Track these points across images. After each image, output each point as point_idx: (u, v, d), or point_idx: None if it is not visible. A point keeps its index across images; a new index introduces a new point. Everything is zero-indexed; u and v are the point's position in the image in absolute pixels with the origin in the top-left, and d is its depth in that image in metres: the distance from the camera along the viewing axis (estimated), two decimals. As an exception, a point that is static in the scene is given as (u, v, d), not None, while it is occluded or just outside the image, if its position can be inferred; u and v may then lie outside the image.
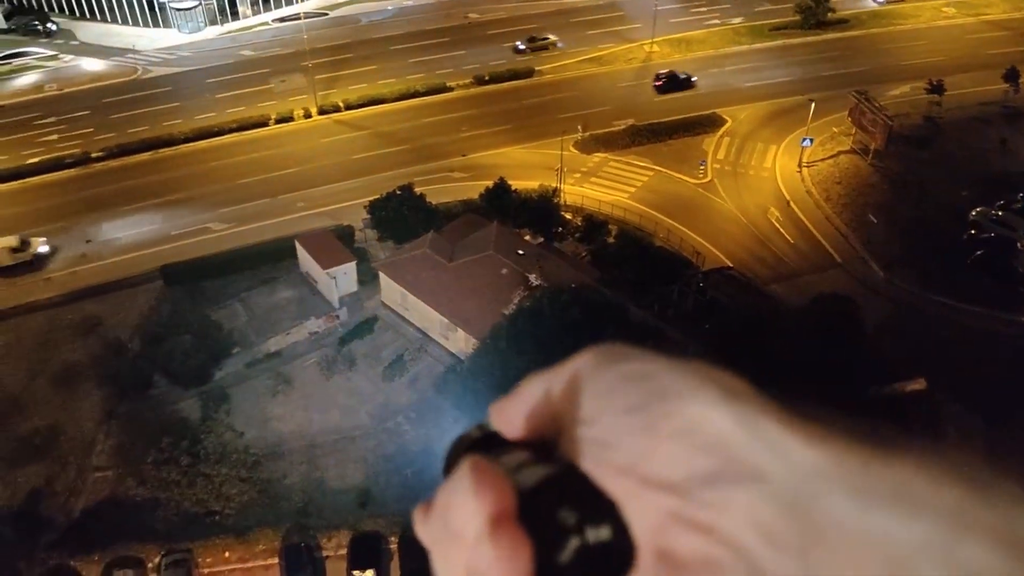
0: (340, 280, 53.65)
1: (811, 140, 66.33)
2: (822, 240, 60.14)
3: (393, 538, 42.76)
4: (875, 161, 65.52)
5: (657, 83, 75.08)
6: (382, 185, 59.55)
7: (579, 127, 68.16)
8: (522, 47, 79.63)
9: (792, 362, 41.90)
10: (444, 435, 46.71)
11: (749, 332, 44.98)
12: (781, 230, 61.09)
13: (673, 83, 74.81)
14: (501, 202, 58.00)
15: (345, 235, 57.67)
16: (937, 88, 69.34)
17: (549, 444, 1.19)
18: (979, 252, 57.36)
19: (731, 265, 57.97)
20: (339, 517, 43.31)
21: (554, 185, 61.54)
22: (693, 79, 75.25)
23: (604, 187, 64.58)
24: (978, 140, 67.93)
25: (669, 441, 1.07)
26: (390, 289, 52.90)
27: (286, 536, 42.36)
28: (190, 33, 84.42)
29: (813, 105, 65.62)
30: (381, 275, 53.30)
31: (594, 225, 59.57)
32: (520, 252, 51.66)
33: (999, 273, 56.10)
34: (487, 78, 75.69)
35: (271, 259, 56.16)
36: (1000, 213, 59.86)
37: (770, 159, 67.55)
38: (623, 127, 70.07)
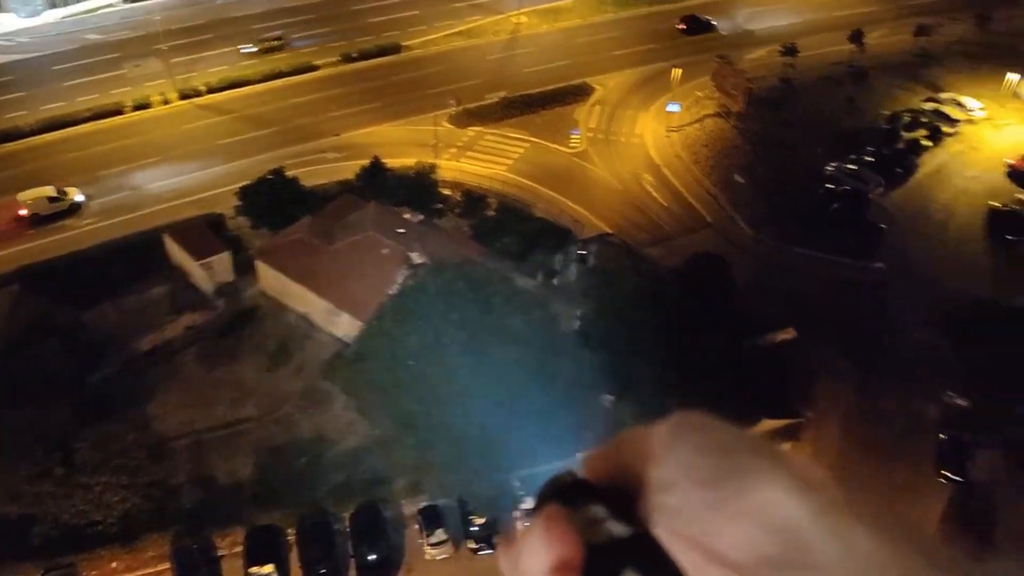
0: (215, 270, 51.71)
1: (678, 105, 68.32)
2: (693, 202, 62.25)
3: (290, 530, 41.94)
4: (737, 123, 68.17)
5: (681, 26, 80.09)
6: (252, 170, 57.58)
7: (451, 101, 67.79)
8: (252, 49, 74.28)
9: (669, 321, 43.35)
10: (335, 421, 46.17)
11: (630, 295, 46.18)
12: (654, 194, 62.85)
13: (696, 25, 79.95)
14: (378, 181, 57.17)
15: (216, 224, 55.51)
16: (790, 51, 72.59)
17: (632, 498, 1.24)
18: (835, 205, 60.72)
19: (610, 231, 59.28)
20: (232, 514, 42.07)
21: (431, 161, 61.09)
22: (714, 23, 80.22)
23: (481, 161, 64.61)
24: (829, 98, 71.69)
25: (739, 521, 1.10)
26: (269, 276, 51.39)
27: (176, 539, 40.83)
28: (28, 17, 78.63)
29: (678, 71, 67.54)
30: (258, 263, 51.70)
31: (473, 199, 59.59)
32: (400, 231, 51.14)
33: (855, 224, 59.63)
34: (355, 55, 74.10)
35: (140, 253, 53.39)
36: (852, 167, 63.49)
37: (640, 125, 69.22)
38: (496, 100, 70.14)
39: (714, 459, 1.17)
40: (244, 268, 52.62)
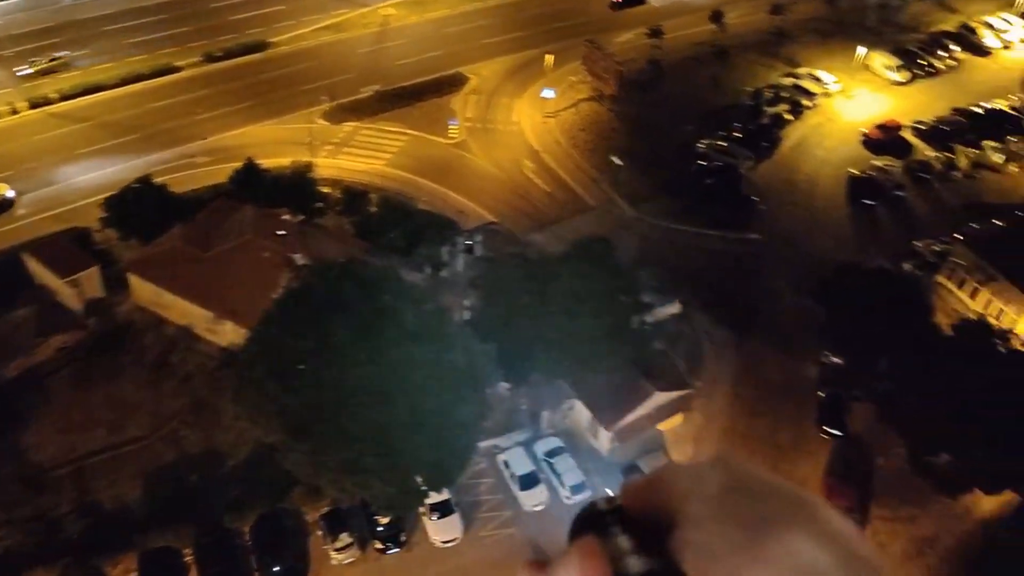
0: (83, 287, 48.98)
1: (552, 91, 69.09)
2: (574, 186, 63.19)
3: (187, 550, 40.38)
4: (611, 106, 69.54)
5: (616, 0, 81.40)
6: (117, 179, 54.83)
7: (324, 97, 66.37)
8: (28, 71, 67.15)
9: (558, 305, 43.88)
10: (226, 433, 44.61)
11: (517, 283, 46.47)
12: (536, 180, 63.43)
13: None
14: (253, 183, 55.31)
15: (81, 238, 52.54)
16: (656, 33, 74.51)
17: (664, 531, 1.30)
18: (709, 181, 62.89)
19: (494, 220, 59.48)
20: (123, 540, 40.13)
21: (307, 160, 59.65)
22: None
23: (359, 156, 63.57)
24: (696, 78, 74.04)
25: (765, 564, 1.14)
26: (143, 289, 49.11)
27: (63, 573, 38.65)
28: None
29: (551, 57, 68.26)
30: (131, 276, 49.31)
31: (354, 196, 58.59)
32: (280, 233, 49.76)
33: (728, 198, 61.93)
34: (219, 55, 71.42)
35: (-3, 275, 50.03)
36: (722, 143, 65.88)
37: (516, 113, 69.65)
38: (370, 93, 69.13)
39: (746, 502, 1.22)
40: (116, 283, 50.08)
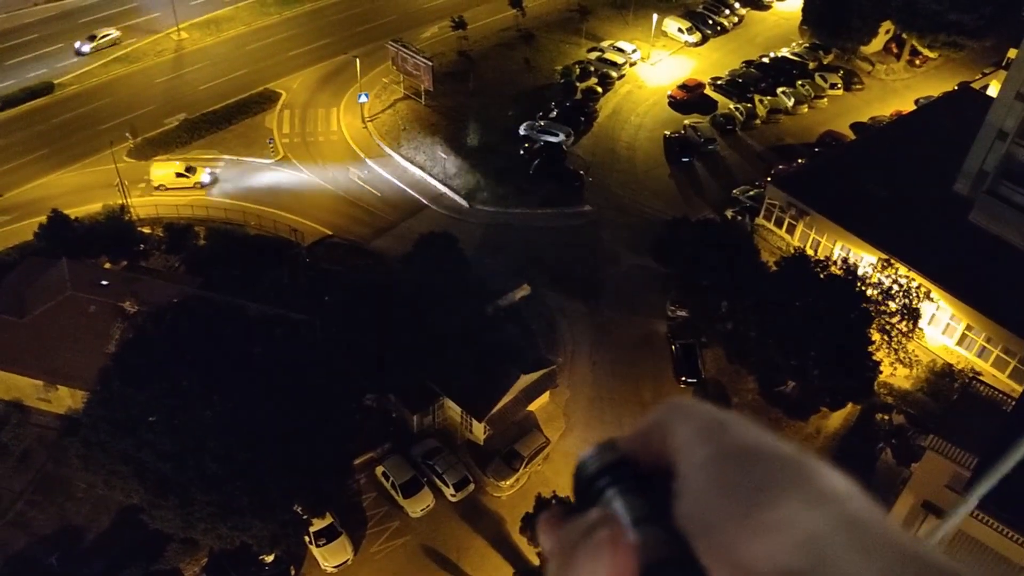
0: None
1: (367, 95, 68.33)
2: (406, 187, 62.87)
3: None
4: (429, 102, 69.58)
5: None
6: (-97, 255, 49.73)
7: (127, 134, 62.69)
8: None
9: (410, 306, 43.70)
10: (81, 504, 41.60)
11: (364, 291, 45.89)
12: (367, 187, 62.62)
13: None
14: (63, 236, 51.44)
15: None
16: (461, 24, 75.13)
17: (665, 482, 1.25)
18: (536, 161, 64.25)
19: (331, 232, 58.30)
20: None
21: (119, 202, 56.17)
22: None
23: (176, 190, 60.49)
24: (507, 63, 75.30)
25: (763, 534, 1.11)
26: (-43, 370, 44.84)
27: None
28: None
29: (358, 61, 67.41)
30: (-61, 357, 44.87)
31: (178, 232, 55.78)
32: (104, 283, 46.75)
33: (557, 175, 63.53)
34: (-1, 103, 65.94)
35: None
36: (542, 123, 67.41)
37: (335, 122, 68.42)
38: (177, 123, 65.92)
39: (738, 468, 1.17)
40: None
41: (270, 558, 40.95)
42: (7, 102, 66.09)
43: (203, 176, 61.07)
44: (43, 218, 51.92)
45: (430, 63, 67.90)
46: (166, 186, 60.27)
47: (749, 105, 70.71)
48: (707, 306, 50.64)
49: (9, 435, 43.75)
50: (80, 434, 37.74)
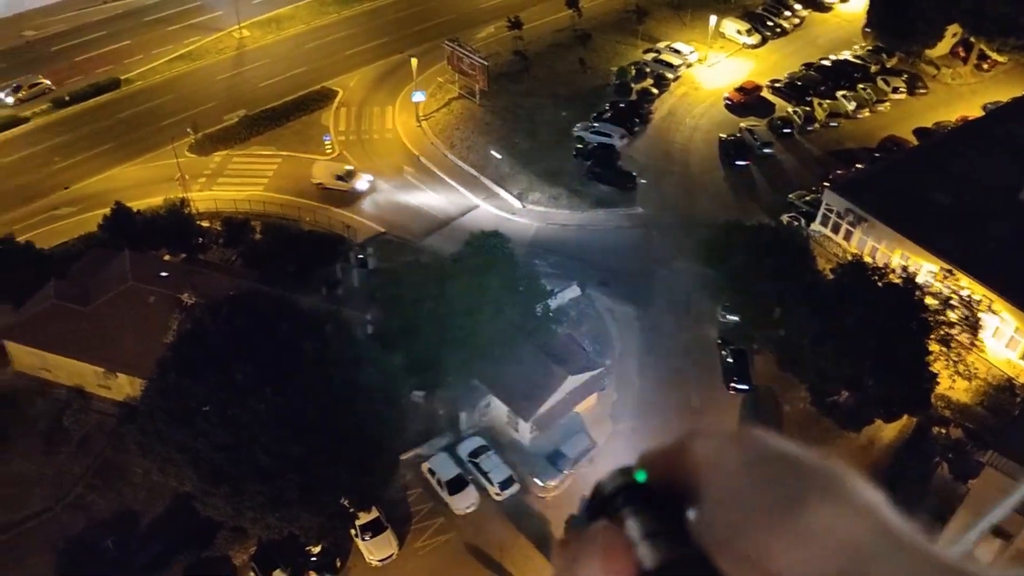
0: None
1: (422, 94, 68.84)
2: (458, 186, 63.19)
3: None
4: (483, 101, 69.84)
5: None
6: (-25, 244, 51.59)
7: (188, 130, 64.16)
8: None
9: (459, 305, 43.92)
10: (137, 489, 42.73)
11: (415, 290, 46.26)
12: (420, 185, 63.10)
13: None
14: (126, 228, 52.90)
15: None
16: (516, 24, 75.23)
17: (686, 505, 1.24)
18: (589, 162, 64.04)
19: (384, 230, 58.90)
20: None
21: (180, 196, 57.54)
22: None
23: (235, 185, 61.76)
24: (562, 64, 75.16)
25: (799, 541, 1.10)
26: (23, 355, 46.46)
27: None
28: None
29: (414, 60, 67.95)
30: (7, 343, 46.53)
31: (235, 226, 56.91)
32: (164, 274, 47.94)
33: (610, 176, 63.23)
34: (67, 99, 67.99)
35: None
36: (596, 124, 67.16)
37: (390, 120, 69.08)
38: (236, 120, 67.24)
39: (772, 476, 1.17)
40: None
41: (317, 549, 41.55)
42: (76, 97, 68.15)
43: (360, 182, 61.30)
44: (107, 210, 53.47)
45: (485, 63, 68.12)
46: (325, 185, 61.07)
47: (808, 108, 69.47)
48: (760, 312, 49.89)
49: (71, 420, 45.12)
50: (137, 422, 38.80)
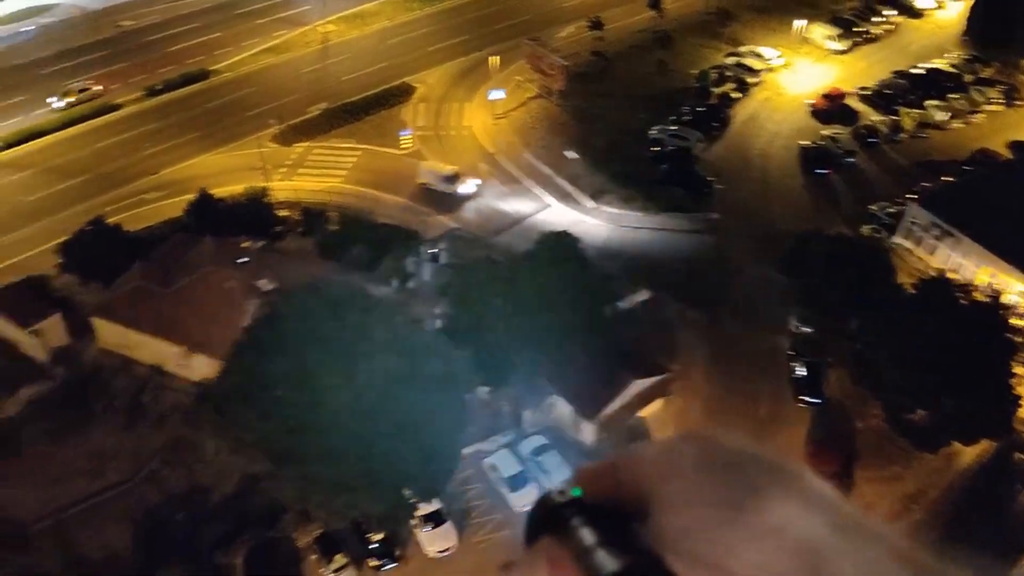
0: (46, 336, 48.12)
1: (501, 92, 69.19)
2: (531, 184, 63.31)
3: (181, 590, 39.87)
4: (560, 101, 69.81)
5: None
6: (68, 224, 53.91)
7: (272, 120, 65.85)
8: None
9: (528, 303, 43.98)
10: (209, 467, 44.08)
11: (485, 285, 46.50)
12: (494, 182, 63.40)
13: None
14: (209, 214, 54.67)
15: (39, 286, 51.58)
16: (597, 24, 74.96)
17: (631, 518, 1.21)
18: (665, 166, 63.39)
19: (457, 225, 59.40)
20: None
21: (261, 185, 59.12)
22: None
23: (314, 176, 63.15)
24: (641, 65, 74.60)
25: (756, 540, 1.08)
26: (109, 332, 48.36)
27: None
28: None
29: (493, 59, 68.35)
30: (95, 320, 48.54)
31: (313, 216, 58.22)
32: (243, 260, 49.33)
33: (685, 180, 62.47)
34: (159, 87, 70.54)
35: (-45, 333, 48.94)
36: (674, 127, 66.44)
37: (467, 117, 69.64)
38: (318, 112, 68.73)
39: (725, 477, 1.15)
40: (79, 328, 49.23)
41: (378, 537, 42.18)
42: (167, 86, 70.63)
43: (465, 186, 61.16)
44: (191, 196, 55.34)
45: (564, 63, 68.05)
46: (430, 185, 61.34)
47: (895, 117, 67.40)
48: (835, 324, 48.63)
49: (149, 397, 46.84)
50: (212, 402, 40.03)
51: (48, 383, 47.34)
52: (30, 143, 64.65)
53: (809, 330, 51.16)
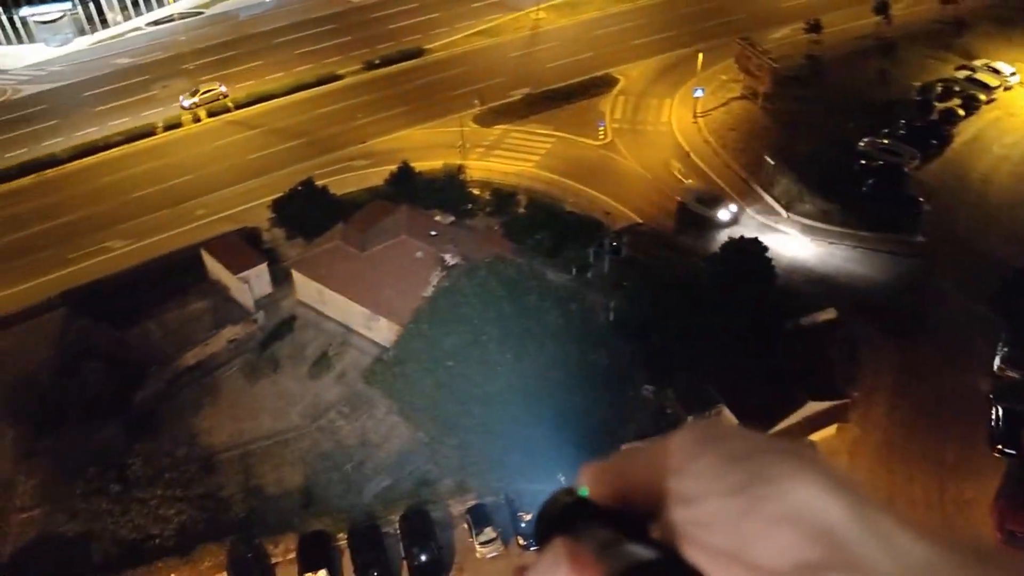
0: (253, 283, 52.42)
1: (703, 90, 67.71)
2: (724, 187, 61.64)
3: (341, 535, 42.41)
4: (765, 104, 67.35)
5: None
6: (283, 182, 58.38)
7: (476, 101, 67.94)
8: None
9: (706, 307, 43.02)
10: (378, 425, 46.55)
11: (664, 284, 45.93)
12: (685, 182, 62.32)
13: None
14: (407, 185, 57.53)
15: (252, 237, 56.30)
16: (815, 27, 71.55)
17: (642, 517, 1.21)
18: (871, 181, 59.70)
19: (641, 221, 58.95)
20: (283, 522, 42.67)
21: (458, 162, 61.27)
22: None
23: (508, 158, 64.64)
24: (858, 73, 70.48)
25: (774, 527, 1.06)
26: (305, 286, 51.97)
27: (231, 549, 41.51)
28: (59, 46, 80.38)
29: (700, 56, 66.91)
30: (295, 273, 52.31)
31: (503, 197, 59.68)
32: (432, 233, 51.40)
33: (892, 199, 58.56)
34: (377, 62, 74.62)
35: (178, 271, 54.35)
36: (886, 141, 62.39)
37: (666, 113, 68.71)
38: (520, 97, 70.16)
39: (740, 466, 1.13)
40: (281, 279, 53.28)
41: (528, 516, 42.88)
42: (384, 61, 74.59)
43: (722, 211, 58.11)
44: (393, 167, 58.36)
45: (774, 64, 65.54)
46: (684, 204, 59.20)
47: None
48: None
49: (335, 352, 50.01)
50: (390, 364, 42.22)
51: (250, 326, 51.62)
52: (260, 105, 70.40)
53: (1018, 375, 46.69)
